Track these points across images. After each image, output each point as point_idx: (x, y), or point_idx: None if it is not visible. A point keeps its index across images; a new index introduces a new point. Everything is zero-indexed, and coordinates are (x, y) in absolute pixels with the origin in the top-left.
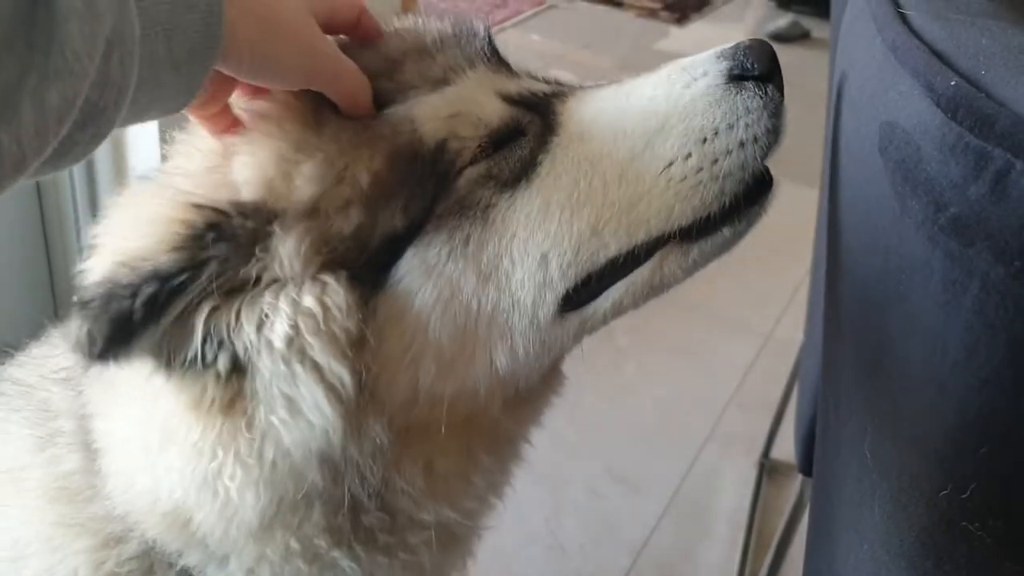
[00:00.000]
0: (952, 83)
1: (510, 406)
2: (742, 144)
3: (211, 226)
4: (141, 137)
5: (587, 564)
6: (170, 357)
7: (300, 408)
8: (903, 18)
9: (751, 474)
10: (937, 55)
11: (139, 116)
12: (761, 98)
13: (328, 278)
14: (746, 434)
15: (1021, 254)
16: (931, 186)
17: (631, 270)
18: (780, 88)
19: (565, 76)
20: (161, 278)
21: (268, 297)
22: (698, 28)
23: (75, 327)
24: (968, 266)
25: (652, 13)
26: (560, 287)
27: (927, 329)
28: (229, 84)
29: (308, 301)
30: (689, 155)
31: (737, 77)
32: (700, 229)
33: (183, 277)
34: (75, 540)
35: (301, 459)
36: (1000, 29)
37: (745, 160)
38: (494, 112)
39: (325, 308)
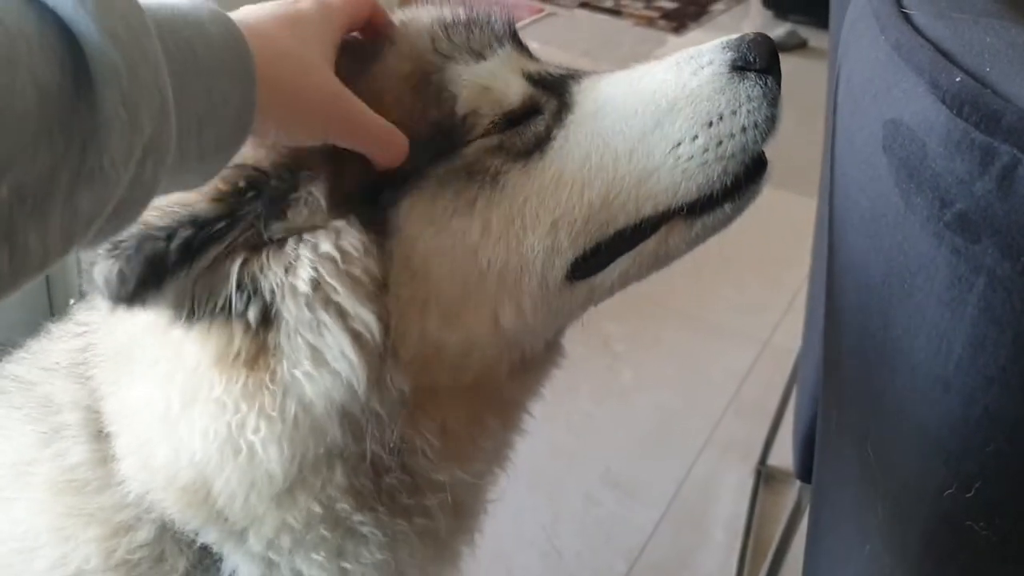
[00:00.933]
0: (957, 79)
1: (515, 372)
2: (744, 129)
3: (250, 184)
4: None
5: (583, 570)
6: (195, 305)
7: (325, 358)
8: (906, 17)
9: (748, 481)
10: (942, 52)
11: (168, 192)
12: (762, 88)
13: (340, 223)
14: (743, 441)
15: None
16: (936, 182)
17: (638, 242)
18: (778, 80)
19: None
20: (198, 224)
21: (292, 245)
22: (696, 37)
23: (102, 268)
24: (974, 262)
25: (650, 22)
26: (569, 254)
27: (932, 326)
28: None
29: (326, 246)
30: (696, 136)
31: (740, 68)
32: (703, 205)
33: (220, 225)
34: (85, 529)
35: (323, 413)
36: (1004, 28)
37: (746, 143)
38: (517, 92)
39: (342, 251)
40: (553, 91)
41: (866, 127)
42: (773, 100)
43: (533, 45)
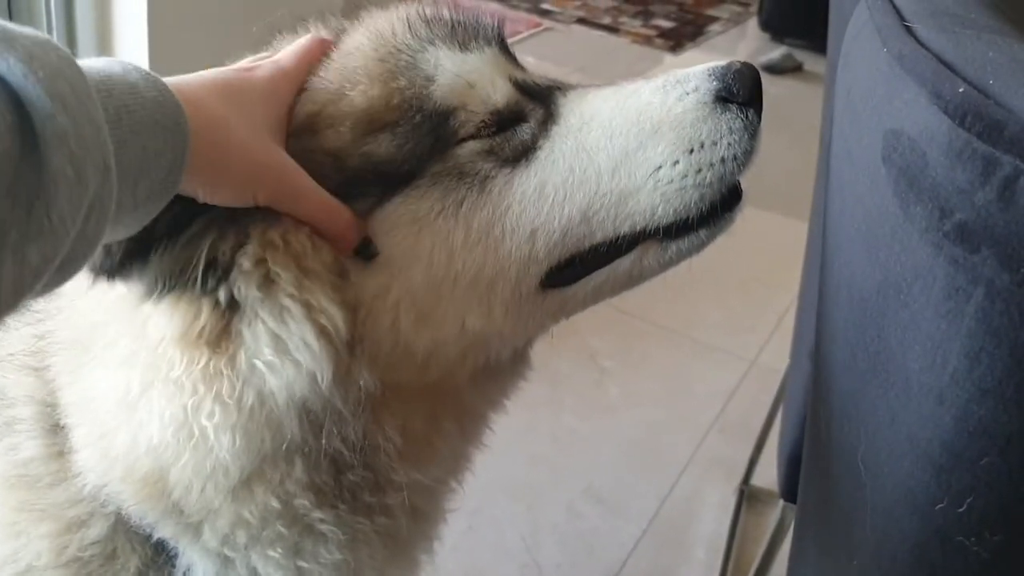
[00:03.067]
0: (960, 90)
1: (478, 379)
2: (723, 160)
3: None
4: None
5: None
6: (168, 278)
7: (287, 347)
8: (908, 30)
9: (731, 500)
10: (944, 64)
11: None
12: (743, 121)
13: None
14: (727, 460)
15: None
16: (936, 192)
17: (613, 259)
18: (759, 112)
19: None
20: (185, 198)
21: (243, 226)
22: (692, 56)
23: None
24: (973, 273)
25: (647, 40)
26: (544, 264)
27: (928, 338)
28: None
29: (272, 232)
30: (677, 162)
31: (723, 98)
32: (679, 230)
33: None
34: (37, 525)
35: (282, 406)
36: (1006, 43)
37: (724, 174)
38: (503, 93)
39: (285, 240)
40: (539, 100)
41: (865, 138)
42: (753, 133)
43: (529, 59)
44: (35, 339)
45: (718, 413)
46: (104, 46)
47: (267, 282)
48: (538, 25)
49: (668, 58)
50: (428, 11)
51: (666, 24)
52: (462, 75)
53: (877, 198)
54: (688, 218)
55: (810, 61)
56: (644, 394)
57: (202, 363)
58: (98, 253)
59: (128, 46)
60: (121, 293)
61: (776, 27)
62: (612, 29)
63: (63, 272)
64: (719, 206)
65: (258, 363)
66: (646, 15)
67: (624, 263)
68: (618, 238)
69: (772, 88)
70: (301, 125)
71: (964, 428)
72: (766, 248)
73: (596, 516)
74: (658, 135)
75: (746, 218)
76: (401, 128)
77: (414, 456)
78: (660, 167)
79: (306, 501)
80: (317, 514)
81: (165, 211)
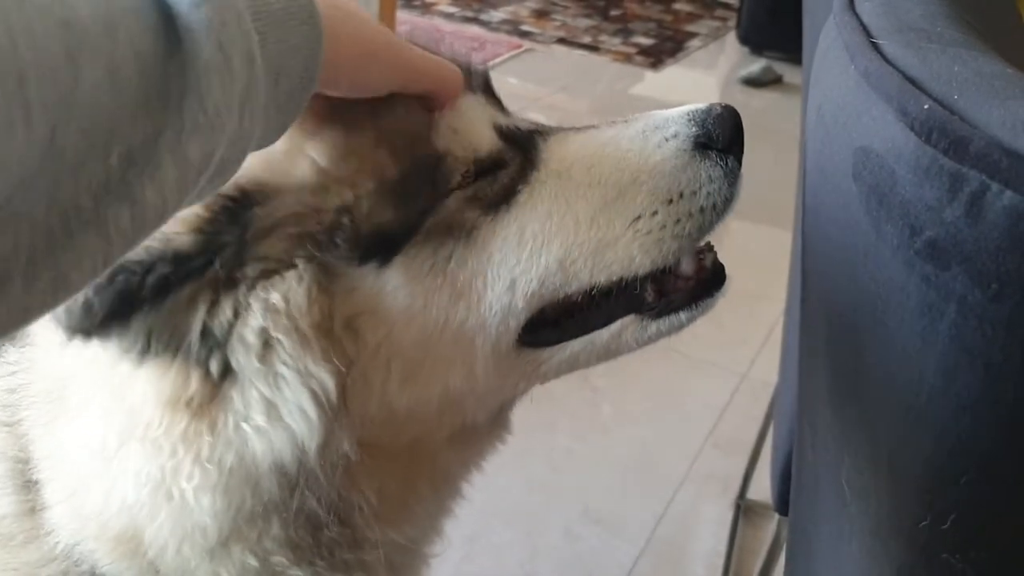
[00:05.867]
0: (926, 106)
1: (455, 441)
2: (702, 210)
3: (228, 210)
4: None
5: None
6: (153, 341)
7: (280, 414)
8: (875, 46)
9: (727, 515)
10: (910, 80)
11: None
12: (723, 168)
13: (297, 269)
14: (722, 474)
15: (998, 276)
16: (906, 210)
17: (592, 329)
18: (739, 158)
19: (541, 119)
20: (178, 260)
21: (243, 290)
22: (672, 73)
23: None
24: (944, 290)
25: (628, 58)
26: (523, 315)
27: (904, 355)
28: None
29: (275, 296)
30: (655, 212)
31: (703, 145)
32: (661, 310)
33: (199, 261)
34: None
35: (265, 468)
36: (971, 57)
37: (703, 224)
38: (486, 140)
39: (287, 302)
40: (520, 146)
41: (836, 155)
42: (732, 180)
43: (511, 81)
44: (7, 392)
45: (711, 428)
46: None
47: (266, 351)
48: (519, 47)
49: (649, 75)
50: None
51: (646, 41)
52: (449, 122)
53: (849, 216)
54: (666, 268)
55: (789, 73)
56: (637, 412)
57: (183, 426)
58: (78, 310)
59: None
60: (96, 350)
61: (755, 41)
62: (592, 48)
63: (224, 172)
64: (702, 288)
65: (245, 427)
66: (626, 33)
67: (603, 335)
68: (594, 288)
69: (753, 101)
70: (306, 181)
71: (943, 446)
72: (754, 260)
73: (594, 537)
74: (637, 184)
75: (733, 230)
76: (408, 189)
77: (390, 516)
78: (639, 217)
79: (284, 558)
80: (295, 571)
81: (149, 272)
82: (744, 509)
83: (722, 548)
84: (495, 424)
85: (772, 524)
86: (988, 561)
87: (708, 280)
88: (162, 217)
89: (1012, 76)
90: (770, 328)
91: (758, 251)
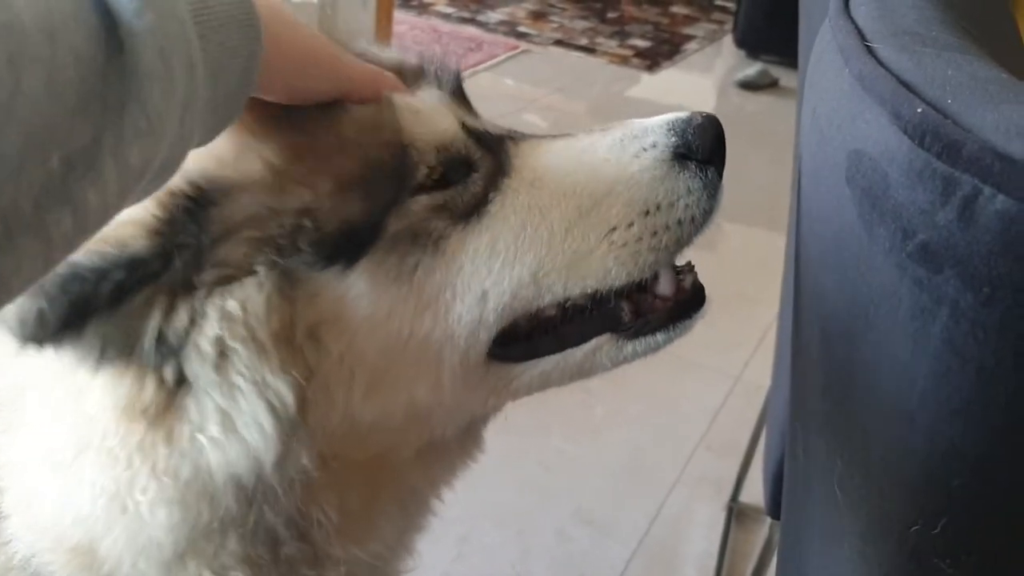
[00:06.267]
0: (919, 110)
1: (423, 457)
2: (680, 222)
3: (184, 208)
4: None
5: None
6: (108, 347)
7: (235, 425)
8: (870, 50)
9: (720, 517)
10: (904, 84)
11: None
12: (702, 180)
13: (258, 276)
14: (715, 477)
15: (990, 280)
16: (899, 213)
17: (567, 347)
18: (720, 170)
19: (537, 121)
20: (133, 265)
21: (200, 297)
22: (669, 75)
23: (18, 305)
24: (937, 293)
25: (624, 60)
26: (494, 328)
27: (896, 359)
28: None
29: (231, 303)
30: (632, 224)
31: (682, 156)
32: (637, 331)
33: (155, 265)
34: None
35: (221, 482)
36: (966, 61)
37: (681, 237)
38: (449, 129)
39: (245, 310)
40: (489, 150)
41: (830, 158)
42: (712, 192)
43: (508, 82)
44: None
45: (705, 430)
46: None
47: (222, 360)
48: (515, 48)
49: (645, 77)
50: (395, 59)
51: (642, 44)
52: (410, 104)
53: (842, 219)
54: (643, 282)
55: (786, 77)
56: (630, 414)
57: (139, 435)
58: (31, 321)
59: None
60: (51, 358)
61: (751, 44)
62: (589, 50)
63: (163, 175)
64: (680, 311)
65: (201, 438)
66: (622, 35)
67: (576, 354)
68: (567, 301)
69: (749, 104)
70: (261, 181)
71: (935, 449)
72: (748, 263)
73: (586, 538)
74: (613, 195)
75: (728, 233)
76: (371, 181)
77: (353, 533)
78: (615, 229)
79: (241, 574)
80: None
81: (104, 279)
82: (736, 512)
83: (714, 551)
84: (466, 440)
85: (764, 527)
86: (978, 566)
87: (687, 301)
88: (103, 220)
89: (1005, 81)
90: (764, 331)
91: (752, 254)
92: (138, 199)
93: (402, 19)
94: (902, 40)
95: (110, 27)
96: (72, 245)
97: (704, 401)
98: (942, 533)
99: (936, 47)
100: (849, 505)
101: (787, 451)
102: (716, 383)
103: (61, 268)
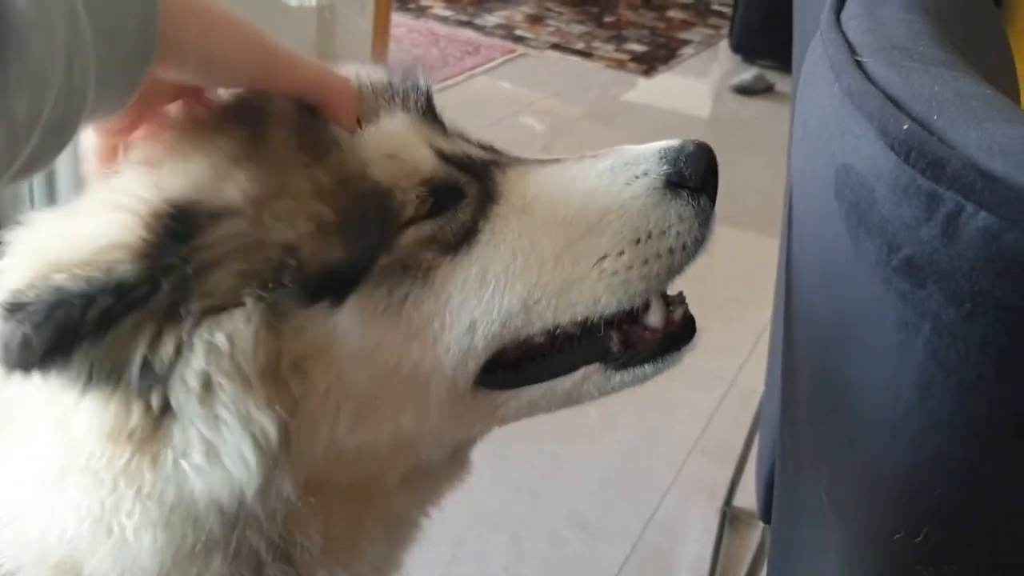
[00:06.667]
0: (905, 127)
1: (409, 481)
2: (671, 251)
3: (168, 229)
4: None
5: None
6: (94, 372)
7: (219, 455)
8: (859, 65)
9: (713, 522)
10: (891, 100)
11: (89, 117)
12: (694, 208)
13: (240, 311)
14: (709, 481)
15: (972, 295)
16: (884, 228)
17: (556, 375)
18: (713, 197)
19: (534, 124)
20: (120, 291)
21: (188, 328)
22: (665, 80)
23: (3, 331)
24: (920, 307)
25: (621, 64)
26: (482, 357)
27: (881, 371)
28: (147, 105)
29: (219, 338)
30: (622, 252)
31: (674, 184)
32: (625, 361)
33: (143, 290)
34: None
35: (204, 506)
36: (952, 77)
37: (672, 265)
38: (427, 163)
39: (233, 344)
40: (475, 175)
41: (819, 171)
42: (704, 220)
43: (504, 85)
44: None
45: (699, 435)
46: None
47: (207, 393)
48: (512, 51)
49: (641, 81)
50: (364, 79)
51: (639, 48)
52: (384, 148)
53: (830, 232)
54: (633, 309)
55: (781, 82)
56: (624, 417)
57: (124, 459)
58: (15, 347)
59: None
60: (40, 381)
61: (747, 49)
62: (586, 54)
63: (62, 131)
64: (671, 342)
65: (184, 464)
66: (619, 40)
67: (565, 383)
68: (558, 329)
69: (744, 110)
70: (241, 210)
71: (918, 459)
72: (742, 267)
73: (579, 542)
74: (604, 223)
75: (722, 238)
76: (353, 226)
77: (337, 555)
78: (605, 257)
79: None
80: None
81: (91, 305)
82: (730, 516)
83: (707, 555)
84: (452, 464)
85: (757, 532)
86: (959, 574)
87: (676, 333)
88: None
89: (990, 97)
90: (758, 335)
91: (747, 258)
92: (40, 157)
93: (399, 22)
94: (891, 55)
95: None
96: None
97: (698, 405)
98: (924, 541)
99: (924, 62)
100: (835, 512)
101: (777, 457)
102: (710, 387)
103: (47, 293)
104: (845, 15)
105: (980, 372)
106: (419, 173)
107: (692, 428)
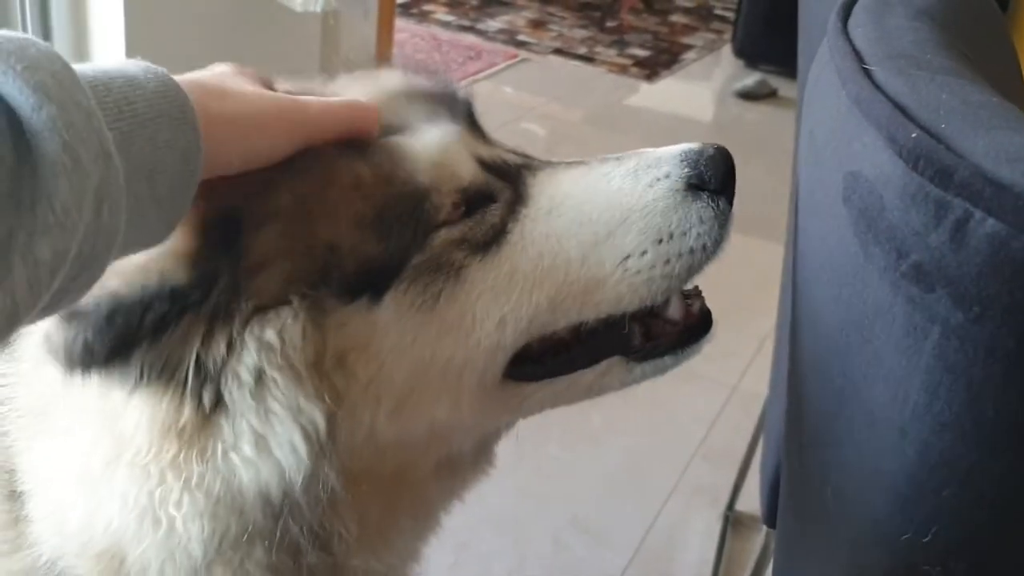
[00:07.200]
0: (913, 135)
1: (440, 472)
2: (692, 251)
3: (217, 234)
4: None
5: None
6: (146, 371)
7: (269, 447)
8: (867, 73)
9: (716, 526)
10: (899, 108)
11: (123, 252)
12: (714, 210)
13: (292, 306)
14: (711, 486)
15: (980, 300)
16: (893, 234)
17: (578, 368)
18: (731, 200)
19: (536, 129)
20: (175, 296)
21: (238, 326)
22: (667, 85)
23: (64, 335)
24: (929, 312)
25: (623, 69)
26: (510, 351)
27: (889, 374)
28: None
29: (270, 332)
30: (645, 252)
31: (695, 186)
32: (646, 353)
33: (196, 295)
34: None
35: (251, 497)
36: (959, 85)
37: (693, 264)
38: (468, 172)
39: (283, 340)
40: (508, 180)
41: (827, 179)
42: (724, 222)
43: (507, 90)
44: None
45: (701, 439)
46: (80, 47)
47: (259, 387)
48: (514, 56)
49: (644, 86)
50: (408, 86)
51: (641, 53)
52: (431, 156)
53: (839, 238)
54: (653, 306)
55: (784, 87)
56: (627, 422)
57: (173, 453)
58: (78, 351)
59: (103, 46)
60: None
61: (750, 54)
62: (588, 59)
63: (88, 270)
64: (689, 335)
65: (234, 456)
66: (621, 44)
67: (588, 375)
68: (582, 325)
69: (748, 115)
70: (288, 211)
71: (926, 461)
72: (746, 272)
73: (582, 547)
74: (628, 224)
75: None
76: (389, 223)
77: (370, 544)
78: (629, 257)
79: None
80: None
81: (148, 310)
82: (732, 521)
83: (710, 559)
84: (479, 456)
85: (760, 536)
86: (966, 573)
87: (695, 326)
88: (14, 319)
89: (997, 106)
90: (761, 340)
91: (750, 263)
92: (66, 295)
93: (402, 28)
94: (898, 63)
95: (15, 127)
96: None
97: (701, 410)
98: (932, 541)
99: (931, 70)
100: (842, 515)
101: (783, 461)
102: (713, 392)
103: (105, 300)
104: (852, 23)
105: (988, 375)
106: (459, 181)
107: (695, 433)
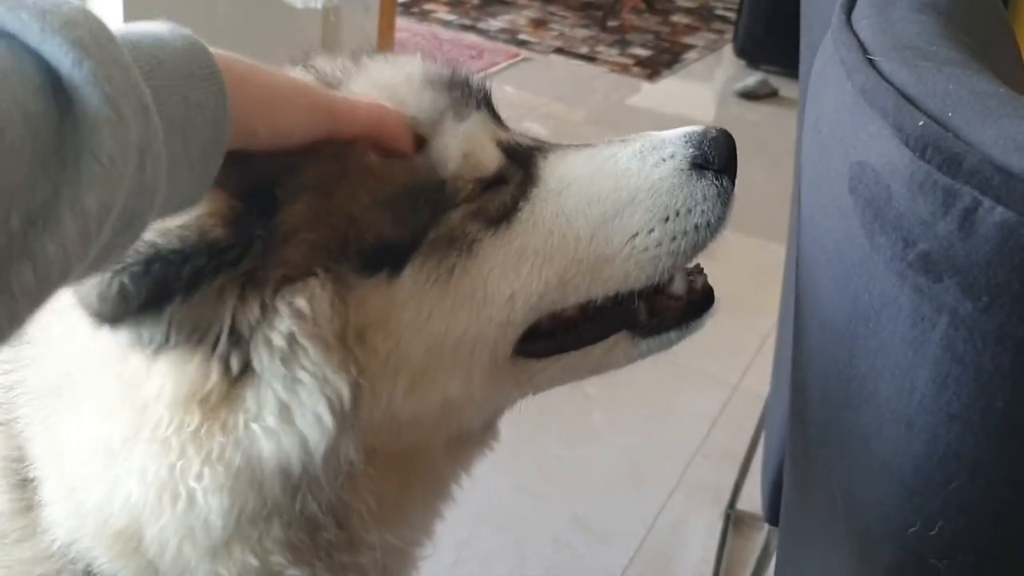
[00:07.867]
0: (920, 123)
1: (451, 446)
2: (697, 228)
3: (257, 198)
4: None
5: None
6: (172, 333)
7: (293, 418)
8: (872, 63)
9: (717, 524)
10: (906, 97)
11: (160, 213)
12: (717, 188)
13: (320, 276)
14: (712, 484)
15: (988, 289)
16: (900, 223)
17: (586, 344)
18: (733, 179)
19: (537, 128)
20: (213, 251)
21: (270, 293)
22: (669, 84)
23: (99, 282)
24: (937, 302)
25: (624, 68)
26: (520, 327)
27: (896, 365)
28: None
29: (301, 301)
30: (652, 230)
31: (699, 165)
32: (652, 328)
33: (233, 254)
34: None
35: (270, 471)
36: (966, 75)
37: (698, 241)
38: (492, 159)
39: (314, 309)
40: (520, 162)
41: (833, 169)
42: (726, 200)
43: (508, 89)
44: (2, 391)
45: (703, 438)
46: None
47: (290, 354)
48: (516, 56)
49: (645, 86)
50: (430, 72)
51: (643, 53)
52: (460, 147)
53: (845, 228)
54: (659, 284)
55: (785, 87)
56: (629, 420)
57: (194, 424)
58: (112, 296)
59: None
60: (105, 344)
61: (751, 54)
62: (589, 58)
63: (132, 227)
64: (693, 310)
65: (255, 427)
66: (623, 44)
67: (595, 351)
68: (588, 303)
69: (749, 114)
70: (316, 184)
71: (933, 453)
72: (747, 271)
73: (583, 545)
74: (635, 202)
75: (727, 242)
76: (408, 206)
77: (386, 519)
78: (636, 234)
79: (283, 558)
80: (293, 571)
81: (186, 262)
82: (734, 519)
83: (711, 558)
84: (485, 431)
85: (761, 534)
86: (974, 565)
87: (698, 301)
88: (66, 271)
89: (1004, 95)
90: (762, 339)
91: (751, 262)
92: (108, 253)
93: (404, 26)
94: (903, 54)
95: (57, 83)
96: (36, 299)
97: (702, 408)
98: (939, 534)
99: (936, 61)
100: (848, 508)
101: (787, 456)
102: (714, 391)
103: (144, 248)
104: (856, 15)
105: (996, 364)
106: (484, 170)
107: (696, 431)
